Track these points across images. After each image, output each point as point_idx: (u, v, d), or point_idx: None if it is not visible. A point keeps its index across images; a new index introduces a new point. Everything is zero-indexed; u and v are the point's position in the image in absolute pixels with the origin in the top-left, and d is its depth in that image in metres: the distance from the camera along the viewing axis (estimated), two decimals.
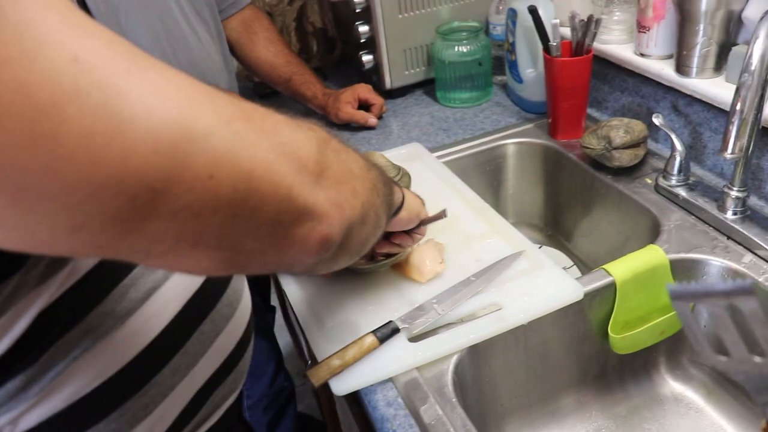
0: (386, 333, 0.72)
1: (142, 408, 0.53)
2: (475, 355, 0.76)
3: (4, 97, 0.26)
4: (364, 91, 1.28)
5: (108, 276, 0.50)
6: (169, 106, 0.32)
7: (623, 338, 0.83)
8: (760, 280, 0.78)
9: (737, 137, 0.64)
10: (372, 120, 1.26)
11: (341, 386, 0.69)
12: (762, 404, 0.39)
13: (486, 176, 1.17)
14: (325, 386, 0.70)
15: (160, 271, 0.54)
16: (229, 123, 0.35)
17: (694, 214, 0.90)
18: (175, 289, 0.55)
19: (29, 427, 0.47)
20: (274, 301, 1.78)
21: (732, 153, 0.64)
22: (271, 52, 1.31)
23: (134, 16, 1.06)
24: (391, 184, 0.62)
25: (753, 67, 0.62)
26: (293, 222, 0.40)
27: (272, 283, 1.59)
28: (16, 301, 0.43)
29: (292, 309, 0.83)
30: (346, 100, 1.25)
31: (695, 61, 0.95)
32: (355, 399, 0.75)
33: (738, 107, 0.63)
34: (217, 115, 0.34)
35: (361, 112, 1.26)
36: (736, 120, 0.63)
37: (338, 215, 0.44)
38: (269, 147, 0.37)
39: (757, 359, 0.37)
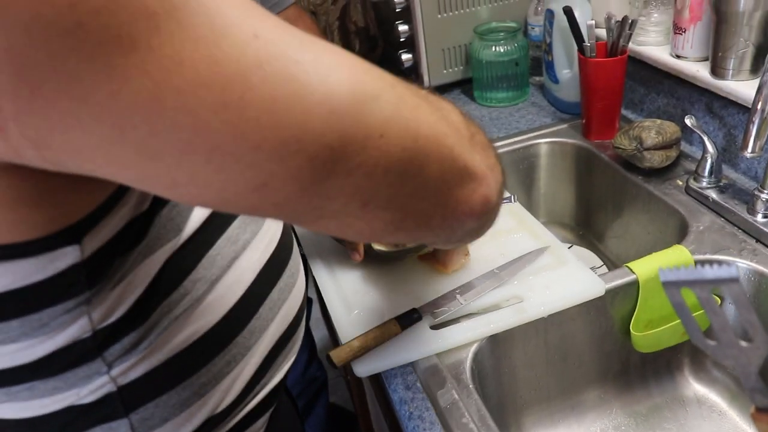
0: (409, 320, 0.75)
1: (226, 365, 0.58)
2: (495, 345, 0.78)
3: (198, 69, 0.30)
4: None
5: (200, 247, 0.55)
6: (340, 72, 0.35)
7: (645, 336, 0.84)
8: None
9: (758, 136, 0.64)
10: None
11: (363, 368, 0.72)
12: (750, 389, 0.40)
13: (519, 175, 1.19)
14: (357, 380, 0.73)
15: (239, 242, 0.59)
16: (393, 86, 0.38)
17: (723, 217, 0.90)
18: (251, 259, 0.60)
19: (136, 377, 0.53)
20: (312, 293, 1.82)
21: (752, 152, 0.65)
22: None
23: None
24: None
25: None
26: (457, 182, 0.43)
27: (309, 276, 1.64)
28: (136, 266, 0.49)
29: (321, 295, 0.87)
30: None
31: (731, 63, 0.95)
32: (377, 382, 0.78)
33: (759, 106, 0.64)
34: (382, 80, 0.37)
35: None
36: (756, 119, 0.64)
37: (494, 177, 0.46)
38: (430, 110, 0.40)
39: (744, 344, 0.38)
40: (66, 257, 0.43)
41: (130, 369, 0.52)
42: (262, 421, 0.68)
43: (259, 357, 0.62)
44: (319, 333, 2.02)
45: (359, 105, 0.35)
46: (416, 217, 0.42)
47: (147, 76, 0.30)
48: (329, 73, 0.34)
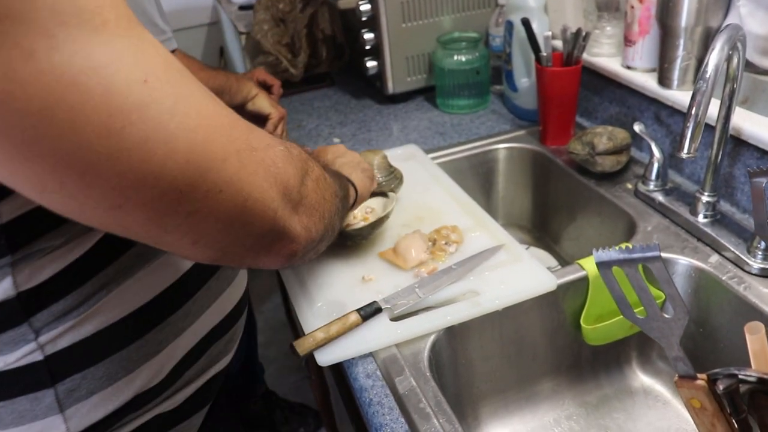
0: (369, 312, 0.78)
1: (157, 344, 0.61)
2: (452, 337, 0.81)
3: (93, 93, 0.35)
4: (261, 73, 1.32)
5: None
6: (203, 130, 0.41)
7: (595, 329, 0.88)
8: (723, 278, 0.83)
9: (692, 139, 0.69)
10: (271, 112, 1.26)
11: (325, 357, 0.75)
12: (673, 358, 0.44)
13: (478, 178, 1.23)
14: (321, 379, 0.75)
15: None
16: (239, 152, 0.44)
17: (668, 218, 0.96)
18: None
19: (64, 346, 0.55)
20: (277, 299, 1.84)
21: (688, 153, 0.70)
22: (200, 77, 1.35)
23: None
24: (348, 198, 0.77)
25: (708, 75, 0.68)
26: (272, 239, 0.50)
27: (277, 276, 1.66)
28: (79, 234, 0.52)
29: (284, 288, 0.89)
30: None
31: (676, 74, 1.00)
32: (339, 373, 0.81)
33: (693, 111, 0.69)
34: (232, 144, 0.44)
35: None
36: (691, 123, 0.69)
37: (306, 237, 0.54)
38: (264, 176, 0.47)
39: (667, 316, 0.42)
40: None
41: (58, 337, 0.54)
42: (198, 417, 0.70)
43: (192, 340, 0.65)
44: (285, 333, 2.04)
45: (211, 162, 0.41)
46: (232, 257, 0.50)
47: (43, 88, 0.34)
48: (193, 130, 0.40)
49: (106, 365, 0.57)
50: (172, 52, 1.34)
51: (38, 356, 0.54)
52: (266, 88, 1.33)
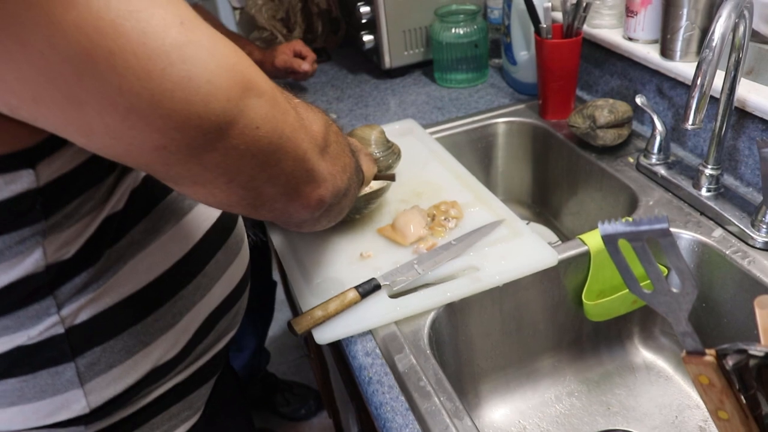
0: (368, 289, 0.77)
1: (171, 317, 0.61)
2: (452, 313, 0.80)
3: (130, 37, 0.36)
4: (299, 44, 1.36)
5: (149, 199, 0.58)
6: (241, 68, 0.42)
7: (596, 305, 0.87)
8: (727, 252, 0.82)
9: (698, 109, 0.67)
10: (305, 65, 1.34)
11: (323, 335, 0.74)
12: (681, 334, 0.43)
13: (477, 153, 1.21)
14: (320, 358, 0.75)
15: (187, 200, 0.63)
16: (273, 90, 0.46)
17: (671, 191, 0.94)
18: (199, 218, 0.64)
19: (85, 319, 0.55)
20: (276, 277, 1.83)
21: (693, 124, 0.68)
22: None
23: None
24: (361, 168, 0.76)
25: (714, 44, 0.66)
26: (302, 180, 0.52)
27: (273, 259, 1.65)
28: (88, 212, 0.52)
29: (283, 267, 0.88)
30: (282, 51, 1.34)
31: (679, 45, 0.98)
32: (338, 351, 0.80)
33: (698, 81, 0.67)
34: (266, 83, 0.46)
35: (296, 59, 1.34)
36: (696, 93, 0.67)
37: (332, 184, 0.57)
38: (295, 117, 0.50)
39: (674, 290, 0.41)
40: (21, 180, 0.45)
41: (80, 310, 0.54)
42: (206, 389, 0.70)
43: (204, 315, 0.65)
44: (286, 314, 2.03)
45: (249, 99, 0.43)
46: (265, 199, 0.51)
47: (83, 34, 0.35)
48: (232, 67, 0.41)
49: (124, 338, 0.57)
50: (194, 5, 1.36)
51: (60, 329, 0.54)
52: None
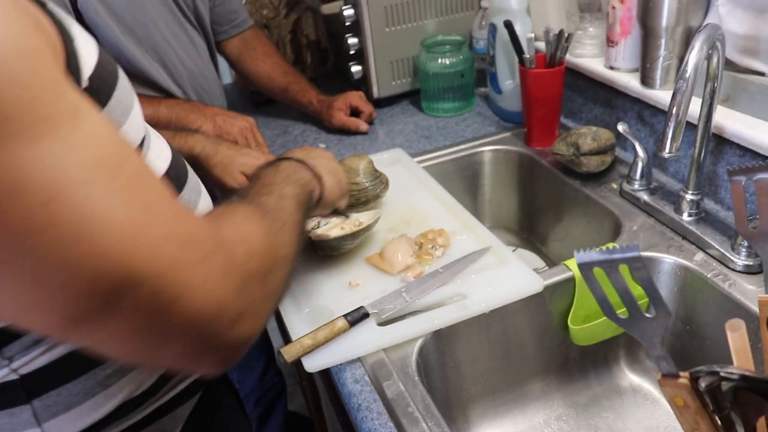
0: (356, 317, 0.78)
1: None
2: (440, 340, 0.81)
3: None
4: (355, 98, 1.36)
5: None
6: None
7: (582, 330, 0.88)
8: (708, 276, 0.84)
9: (673, 138, 0.70)
10: (363, 126, 1.34)
11: (313, 363, 0.75)
12: (656, 357, 0.45)
13: (464, 181, 1.23)
14: (312, 386, 0.75)
15: None
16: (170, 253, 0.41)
17: (654, 216, 0.96)
18: None
19: (38, 367, 0.55)
20: None
21: (669, 152, 0.70)
22: (268, 65, 1.40)
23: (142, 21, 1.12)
24: (312, 197, 0.74)
25: (688, 75, 0.68)
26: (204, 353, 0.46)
27: None
28: None
29: None
30: (339, 108, 1.34)
31: (658, 74, 1.01)
32: (327, 377, 0.81)
33: (674, 111, 0.69)
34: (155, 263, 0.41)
35: (353, 119, 1.34)
36: (672, 123, 0.69)
37: (253, 323, 0.48)
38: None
39: (648, 316, 0.42)
40: None
41: (31, 361, 0.54)
42: (189, 406, 0.70)
43: None
44: (278, 341, 2.03)
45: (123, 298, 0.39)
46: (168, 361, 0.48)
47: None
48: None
49: (82, 382, 0.57)
50: (248, 28, 1.41)
51: (14, 376, 0.54)
52: (355, 114, 1.37)
